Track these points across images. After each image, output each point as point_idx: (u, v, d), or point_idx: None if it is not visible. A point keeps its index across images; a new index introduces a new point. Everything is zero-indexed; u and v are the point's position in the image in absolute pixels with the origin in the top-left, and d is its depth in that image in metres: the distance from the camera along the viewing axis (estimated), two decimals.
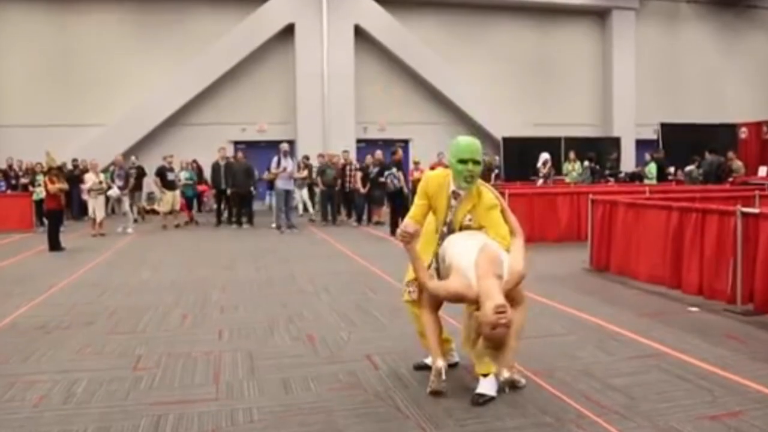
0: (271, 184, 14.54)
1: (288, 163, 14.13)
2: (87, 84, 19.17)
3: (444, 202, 4.05)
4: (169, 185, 15.23)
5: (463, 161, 3.94)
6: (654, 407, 3.71)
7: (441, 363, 3.92)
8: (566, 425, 3.49)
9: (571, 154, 18.15)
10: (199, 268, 9.17)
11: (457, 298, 3.76)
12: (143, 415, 3.70)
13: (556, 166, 18.04)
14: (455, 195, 4.04)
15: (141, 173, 16.98)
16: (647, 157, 17.40)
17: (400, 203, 13.21)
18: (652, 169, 16.39)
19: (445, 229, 4.07)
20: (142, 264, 9.61)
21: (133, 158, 17.16)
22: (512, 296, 3.93)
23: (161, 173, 15.24)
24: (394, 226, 13.04)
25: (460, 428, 3.48)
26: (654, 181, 15.72)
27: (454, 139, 4.10)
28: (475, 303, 3.60)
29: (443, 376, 3.90)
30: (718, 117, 21.62)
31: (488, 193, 4.08)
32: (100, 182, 13.69)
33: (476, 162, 3.94)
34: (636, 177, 18.67)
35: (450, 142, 4.11)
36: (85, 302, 6.89)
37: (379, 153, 15.01)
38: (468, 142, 4.02)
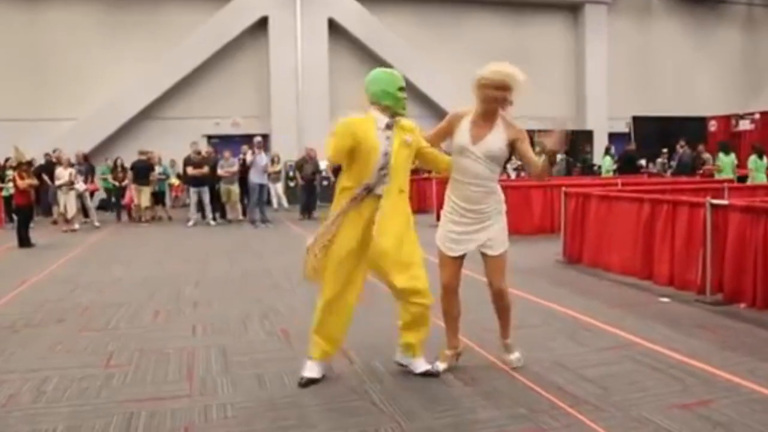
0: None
1: (262, 157, 14.07)
2: (58, 77, 18.81)
3: (374, 141, 3.92)
4: (142, 181, 15.05)
5: (402, 88, 4.02)
6: (626, 397, 3.75)
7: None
8: (540, 416, 3.51)
9: None
10: (172, 264, 9.08)
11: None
12: (115, 413, 3.65)
13: None
14: (389, 126, 3.98)
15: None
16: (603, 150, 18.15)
17: None
18: (606, 162, 17.21)
19: (383, 160, 3.93)
20: (114, 260, 9.48)
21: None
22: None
23: (135, 168, 15.05)
24: None
25: (434, 421, 3.49)
26: (610, 174, 16.16)
27: (370, 75, 4.06)
28: None
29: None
30: (688, 110, 21.94)
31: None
32: (70, 175, 13.51)
33: (404, 89, 4.06)
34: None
35: (368, 79, 4.05)
36: (55, 299, 6.79)
37: None
38: (393, 71, 4.10)
